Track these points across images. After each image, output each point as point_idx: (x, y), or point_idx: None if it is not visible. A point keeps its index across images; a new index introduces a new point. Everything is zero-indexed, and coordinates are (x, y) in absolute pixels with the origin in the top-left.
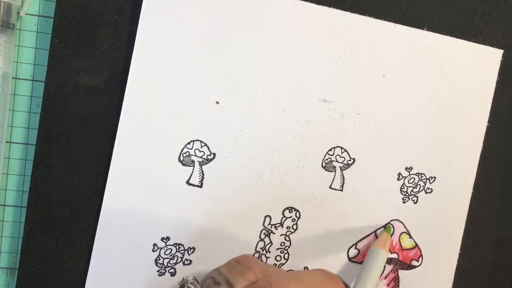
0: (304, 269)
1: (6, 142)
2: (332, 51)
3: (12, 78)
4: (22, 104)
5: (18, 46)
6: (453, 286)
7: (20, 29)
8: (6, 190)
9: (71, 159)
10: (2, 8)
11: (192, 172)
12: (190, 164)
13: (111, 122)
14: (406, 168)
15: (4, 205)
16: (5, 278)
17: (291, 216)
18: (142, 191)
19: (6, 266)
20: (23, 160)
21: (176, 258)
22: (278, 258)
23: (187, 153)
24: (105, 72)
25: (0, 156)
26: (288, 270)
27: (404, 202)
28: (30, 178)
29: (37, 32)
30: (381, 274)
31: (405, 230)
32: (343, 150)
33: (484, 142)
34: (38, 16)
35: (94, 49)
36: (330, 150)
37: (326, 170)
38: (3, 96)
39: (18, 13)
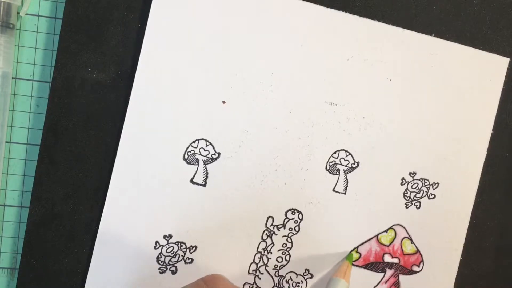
0: (305, 271)
1: (6, 142)
2: (339, 54)
3: (12, 78)
4: (22, 104)
5: (18, 46)
6: None
7: (20, 29)
8: (6, 190)
9: (76, 154)
10: (2, 8)
11: (196, 171)
12: (195, 162)
13: (117, 118)
14: (409, 173)
15: (4, 205)
16: (5, 278)
17: (293, 218)
18: (146, 188)
19: (6, 266)
20: (23, 160)
21: (177, 256)
22: (279, 259)
23: (192, 152)
24: (113, 68)
25: (0, 156)
26: (289, 272)
27: (407, 207)
28: (30, 178)
29: (37, 32)
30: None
31: (407, 235)
32: (347, 153)
33: (488, 150)
34: (38, 16)
35: (102, 45)
36: (335, 153)
37: (330, 172)
38: (3, 96)
39: (18, 13)
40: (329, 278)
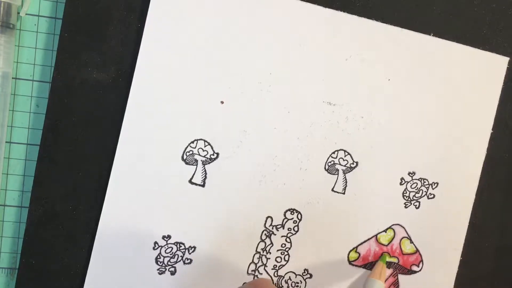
0: (304, 271)
1: (6, 142)
2: (338, 54)
3: (12, 78)
4: (22, 104)
5: (18, 46)
6: None
7: (20, 29)
8: (6, 190)
9: (75, 153)
10: (2, 8)
11: (195, 171)
12: (193, 163)
13: (116, 118)
14: (409, 173)
15: (4, 205)
16: (5, 278)
17: (292, 218)
18: (145, 189)
19: (6, 266)
20: (23, 160)
21: (176, 257)
22: (278, 259)
23: (191, 152)
24: (113, 68)
25: (0, 156)
26: (288, 272)
27: (406, 207)
28: (30, 178)
29: (37, 32)
30: None
31: (406, 235)
32: (346, 153)
33: (488, 150)
34: (38, 16)
35: (102, 45)
36: (334, 153)
37: (329, 172)
38: (3, 96)
39: (18, 13)
40: (366, 279)
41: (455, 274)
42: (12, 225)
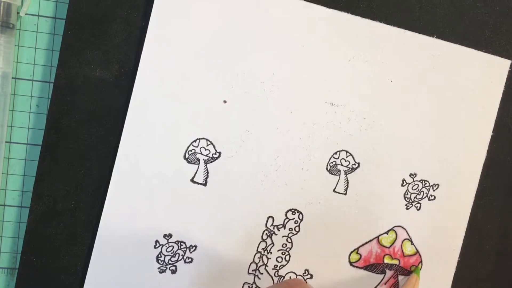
0: (305, 271)
1: (6, 142)
2: (341, 55)
3: (12, 78)
4: (22, 104)
5: (18, 46)
6: None
7: (20, 29)
8: (6, 190)
9: (77, 151)
10: (2, 8)
11: (197, 170)
12: (195, 162)
13: (119, 116)
14: (410, 175)
15: (4, 205)
16: (5, 278)
17: (293, 218)
18: (146, 187)
19: (6, 266)
20: (23, 160)
21: (177, 255)
22: (279, 259)
23: (193, 151)
24: (116, 66)
25: (0, 156)
26: (289, 272)
27: (407, 209)
28: (30, 178)
29: (37, 32)
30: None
31: (407, 237)
32: (348, 154)
33: (489, 152)
34: (38, 16)
35: (106, 43)
36: (335, 153)
37: (330, 173)
38: (3, 96)
39: (18, 13)
40: None
41: (453, 275)
42: (12, 225)
